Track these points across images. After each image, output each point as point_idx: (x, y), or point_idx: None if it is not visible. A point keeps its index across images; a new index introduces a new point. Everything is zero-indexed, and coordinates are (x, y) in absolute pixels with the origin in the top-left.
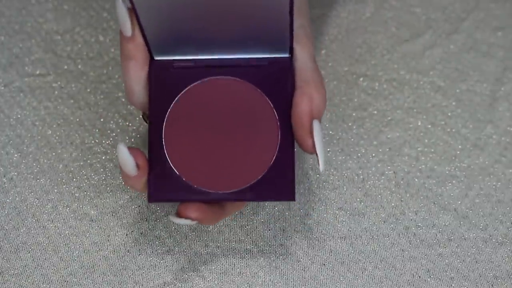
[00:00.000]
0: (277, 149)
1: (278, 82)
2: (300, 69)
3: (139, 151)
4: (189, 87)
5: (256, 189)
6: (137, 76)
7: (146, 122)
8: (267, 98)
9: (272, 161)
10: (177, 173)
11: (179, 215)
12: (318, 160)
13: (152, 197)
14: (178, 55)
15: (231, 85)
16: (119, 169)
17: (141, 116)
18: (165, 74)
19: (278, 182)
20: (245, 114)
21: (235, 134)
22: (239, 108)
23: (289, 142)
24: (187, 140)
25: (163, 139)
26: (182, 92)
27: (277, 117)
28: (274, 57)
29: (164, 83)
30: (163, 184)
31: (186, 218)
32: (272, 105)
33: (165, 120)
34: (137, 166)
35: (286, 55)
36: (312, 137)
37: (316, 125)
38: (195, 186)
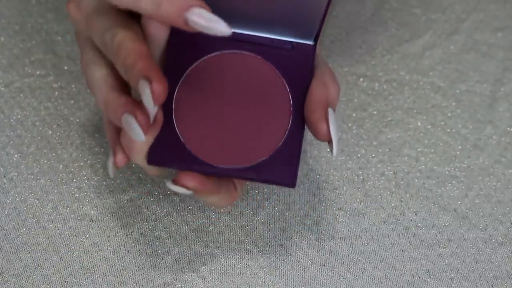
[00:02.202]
0: (286, 133)
1: (298, 67)
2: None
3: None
4: (206, 57)
5: (259, 169)
6: (158, 36)
7: None
8: (284, 81)
9: (280, 144)
10: (182, 141)
11: (175, 182)
12: (332, 146)
13: (151, 159)
14: None
15: (250, 61)
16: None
17: None
18: (184, 40)
19: (282, 166)
20: (259, 93)
21: (247, 111)
22: (254, 86)
23: (299, 128)
24: (197, 110)
25: (173, 105)
26: (198, 61)
27: (291, 101)
28: (298, 42)
29: (182, 49)
30: (166, 149)
31: (182, 186)
32: (288, 88)
33: (178, 86)
34: (154, 119)
35: (311, 42)
36: (327, 122)
37: (331, 112)
38: (198, 157)
